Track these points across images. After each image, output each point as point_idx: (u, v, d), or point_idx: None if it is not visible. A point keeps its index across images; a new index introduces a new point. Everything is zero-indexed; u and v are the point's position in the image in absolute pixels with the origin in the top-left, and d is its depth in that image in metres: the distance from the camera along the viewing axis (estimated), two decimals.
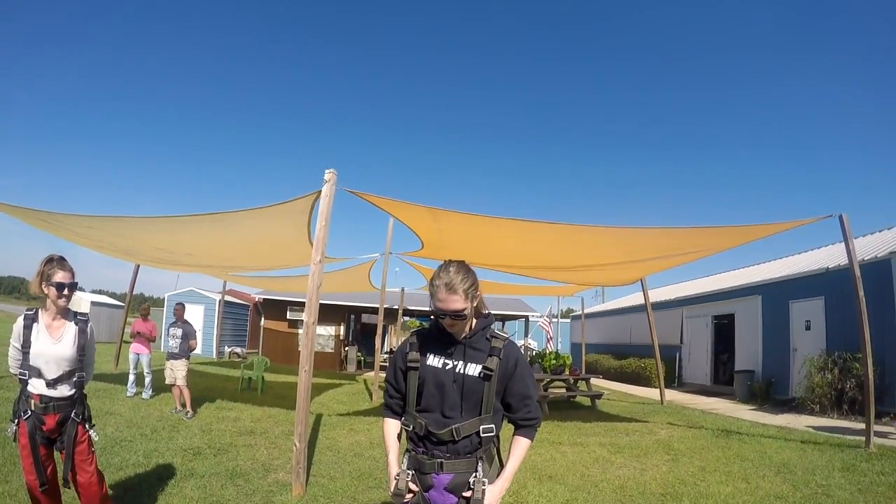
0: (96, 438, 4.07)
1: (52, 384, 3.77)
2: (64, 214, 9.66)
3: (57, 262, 3.83)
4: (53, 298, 3.79)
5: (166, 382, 10.73)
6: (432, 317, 2.80)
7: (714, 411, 14.17)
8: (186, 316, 11.32)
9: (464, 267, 2.66)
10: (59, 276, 3.77)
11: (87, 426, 3.98)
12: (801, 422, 12.06)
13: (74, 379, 3.89)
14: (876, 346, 10.15)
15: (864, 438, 9.11)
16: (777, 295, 17.26)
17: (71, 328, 3.90)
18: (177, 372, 10.58)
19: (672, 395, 17.93)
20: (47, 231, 11.43)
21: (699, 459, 8.36)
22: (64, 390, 3.83)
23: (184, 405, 10.47)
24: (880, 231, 16.89)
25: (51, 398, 3.78)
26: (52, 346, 3.78)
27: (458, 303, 2.56)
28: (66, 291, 3.80)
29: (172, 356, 10.79)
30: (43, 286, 3.78)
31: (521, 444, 2.68)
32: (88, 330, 3.99)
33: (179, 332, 10.90)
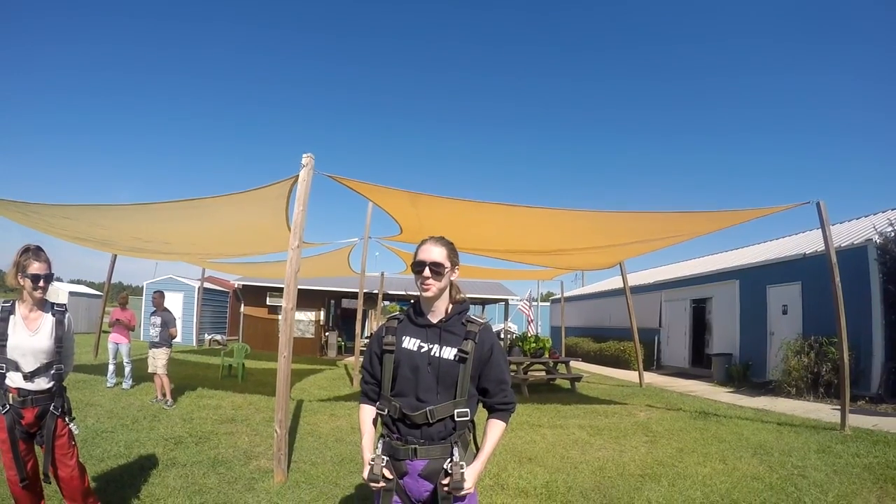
0: (77, 431, 4.00)
1: (29, 377, 3.71)
2: (39, 204, 9.52)
3: (32, 252, 3.76)
4: (29, 290, 3.73)
5: (149, 371, 10.67)
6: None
7: (692, 394, 14.33)
8: (166, 304, 11.21)
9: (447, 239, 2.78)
10: (35, 268, 3.71)
11: (66, 419, 3.91)
12: (777, 404, 12.22)
13: (52, 371, 3.82)
14: (851, 331, 10.30)
15: (839, 421, 9.26)
16: (755, 280, 17.43)
17: (48, 320, 3.84)
18: (157, 360, 10.52)
19: (651, 377, 18.09)
20: (22, 223, 11.28)
21: (677, 441, 8.46)
22: (42, 383, 3.77)
23: (164, 395, 10.45)
24: (857, 219, 17.08)
25: (29, 391, 3.71)
26: (29, 338, 3.72)
27: (438, 256, 2.66)
28: (41, 283, 3.73)
29: (153, 345, 10.73)
30: (18, 277, 3.72)
31: (497, 428, 2.67)
32: (66, 321, 3.93)
33: (159, 320, 10.83)
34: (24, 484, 3.71)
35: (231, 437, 7.95)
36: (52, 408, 3.80)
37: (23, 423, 3.71)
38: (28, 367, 3.72)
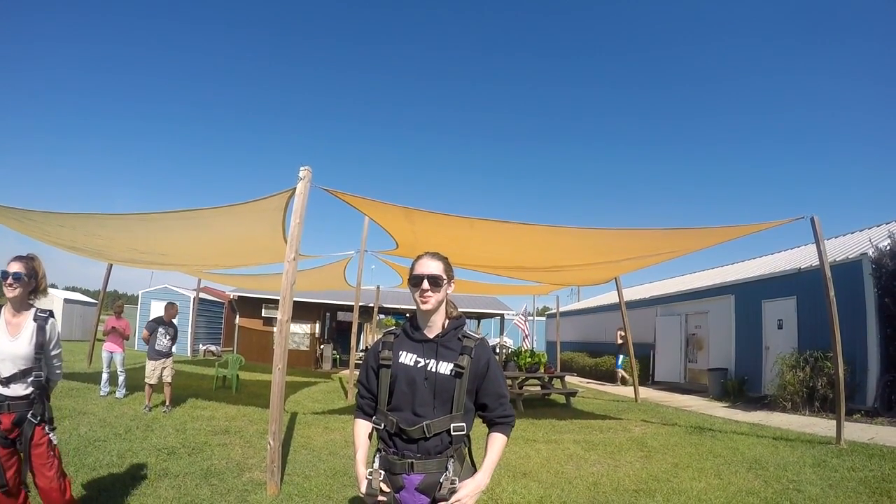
0: (55, 442, 3.92)
1: (5, 382, 3.67)
2: (36, 212, 9.51)
3: (19, 256, 3.80)
4: (4, 290, 3.73)
5: (153, 382, 10.74)
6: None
7: (687, 409, 14.32)
8: (160, 313, 11.31)
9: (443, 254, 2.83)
10: (10, 266, 3.72)
11: (46, 428, 3.85)
12: (773, 419, 12.22)
13: (31, 378, 3.77)
14: (847, 345, 10.31)
15: (834, 435, 9.25)
16: (750, 294, 17.44)
17: (30, 325, 3.80)
18: (170, 370, 10.91)
19: (646, 392, 18.09)
20: (17, 230, 11.26)
21: (672, 456, 8.44)
22: (18, 389, 3.72)
23: (163, 402, 10.72)
24: (852, 233, 17.12)
25: (5, 397, 3.67)
26: (9, 343, 3.69)
27: (436, 269, 2.70)
28: (9, 280, 3.70)
29: (166, 355, 10.94)
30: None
31: (499, 440, 2.69)
32: (48, 328, 3.86)
33: (172, 331, 11.10)
34: (2, 490, 3.68)
35: (224, 448, 7.91)
36: (29, 415, 3.76)
37: (1, 429, 3.67)
38: (5, 371, 3.67)
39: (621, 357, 21.75)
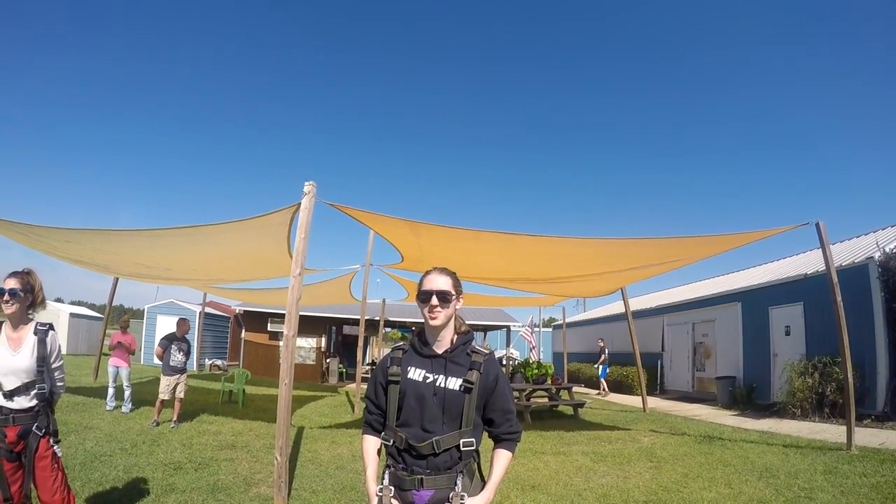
0: (60, 454, 3.94)
1: (9, 396, 3.69)
2: (42, 227, 9.57)
3: (15, 272, 3.82)
4: (2, 307, 3.75)
5: (167, 398, 10.80)
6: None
7: (696, 418, 14.24)
8: (167, 328, 11.35)
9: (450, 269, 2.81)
10: (5, 283, 3.75)
11: (51, 441, 3.87)
12: (782, 426, 12.15)
13: (35, 391, 3.80)
14: (855, 349, 10.26)
15: (845, 441, 9.20)
16: (757, 301, 17.40)
17: (30, 339, 3.83)
18: (183, 386, 10.98)
19: (654, 402, 18.00)
20: (24, 244, 11.32)
21: (682, 466, 8.38)
22: (23, 402, 3.75)
23: (170, 418, 10.68)
24: (858, 236, 17.09)
25: (10, 410, 3.70)
26: (11, 357, 3.71)
27: (444, 284, 2.68)
28: (5, 297, 3.73)
29: (180, 371, 11.03)
30: None
31: (504, 457, 2.68)
32: (48, 340, 3.88)
33: (186, 346, 11.18)
34: None
35: (231, 463, 7.88)
36: (34, 427, 3.78)
37: (7, 442, 3.68)
38: (8, 385, 3.69)
39: (601, 367, 22.03)
